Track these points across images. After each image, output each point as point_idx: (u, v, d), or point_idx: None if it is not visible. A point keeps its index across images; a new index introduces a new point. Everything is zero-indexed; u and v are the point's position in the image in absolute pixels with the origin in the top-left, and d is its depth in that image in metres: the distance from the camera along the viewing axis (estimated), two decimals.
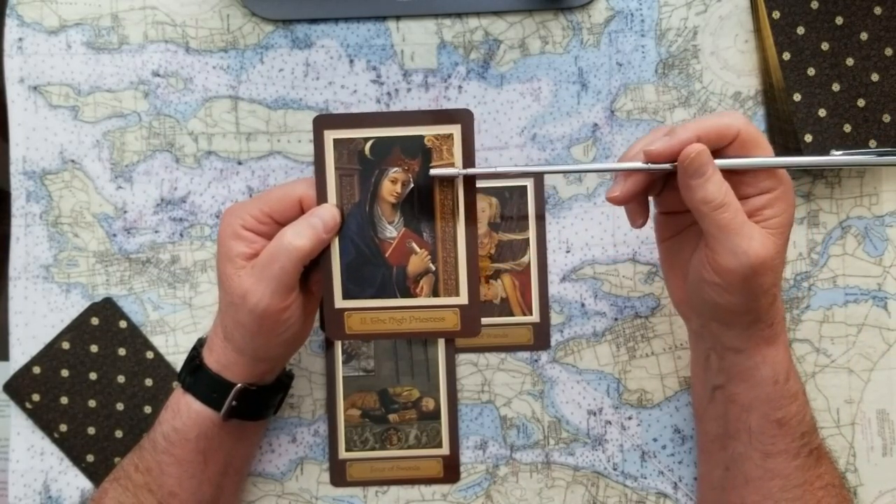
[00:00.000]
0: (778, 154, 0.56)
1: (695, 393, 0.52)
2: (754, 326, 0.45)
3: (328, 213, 0.46)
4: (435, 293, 0.48)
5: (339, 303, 0.48)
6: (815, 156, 0.53)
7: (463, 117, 0.46)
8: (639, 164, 0.44)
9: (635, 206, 0.46)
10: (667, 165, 0.43)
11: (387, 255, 0.47)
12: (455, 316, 0.48)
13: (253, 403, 0.50)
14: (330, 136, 0.47)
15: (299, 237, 0.45)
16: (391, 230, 0.47)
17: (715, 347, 0.48)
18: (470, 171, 0.46)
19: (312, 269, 0.48)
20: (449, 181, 0.46)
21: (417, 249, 0.47)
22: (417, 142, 0.46)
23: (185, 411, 0.48)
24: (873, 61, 0.54)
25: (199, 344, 0.50)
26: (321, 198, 0.47)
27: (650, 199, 0.48)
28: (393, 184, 0.47)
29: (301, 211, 0.47)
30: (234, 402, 0.48)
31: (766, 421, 0.46)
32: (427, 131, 0.46)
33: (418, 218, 0.47)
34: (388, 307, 0.48)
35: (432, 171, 0.45)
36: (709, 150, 0.42)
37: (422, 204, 0.47)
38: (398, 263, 0.47)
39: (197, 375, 0.48)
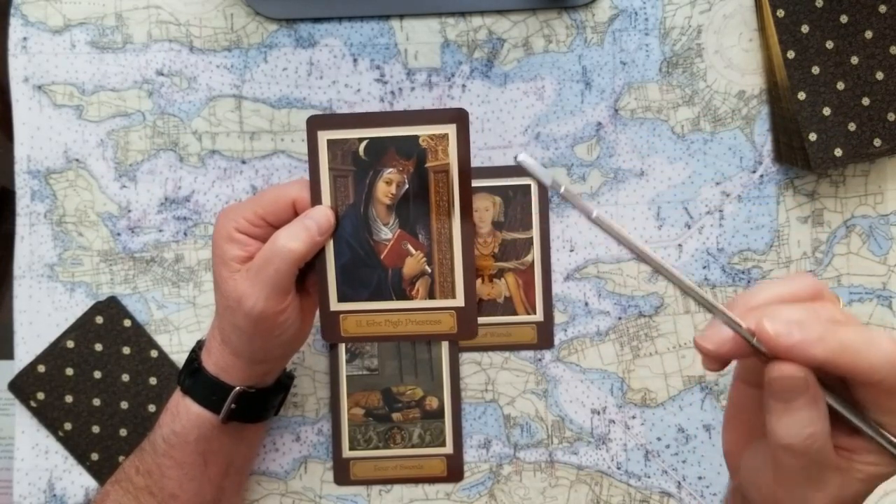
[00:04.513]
0: (780, 154, 0.56)
1: None
2: None
3: (322, 214, 0.46)
4: (431, 295, 0.47)
5: (335, 305, 0.47)
6: (819, 155, 0.53)
7: (458, 117, 0.45)
8: (739, 324, 0.34)
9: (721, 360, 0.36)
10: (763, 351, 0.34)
11: (382, 256, 0.47)
12: (451, 318, 0.47)
13: (252, 406, 0.49)
14: (324, 136, 0.46)
15: (293, 240, 0.44)
16: (386, 232, 0.47)
17: None
18: (599, 217, 0.37)
19: (309, 271, 0.48)
20: (445, 181, 0.46)
21: (413, 251, 0.47)
22: (412, 142, 0.46)
23: (184, 414, 0.48)
24: (878, 60, 0.54)
25: (198, 346, 0.50)
26: (315, 199, 0.46)
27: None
28: (388, 185, 0.46)
29: (295, 213, 0.46)
30: (232, 405, 0.48)
31: None
32: (422, 131, 0.46)
33: (414, 219, 0.46)
34: (383, 310, 0.47)
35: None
36: (815, 376, 0.33)
37: (417, 205, 0.46)
38: (393, 265, 0.47)
39: (195, 378, 0.48)
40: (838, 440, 0.34)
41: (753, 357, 0.35)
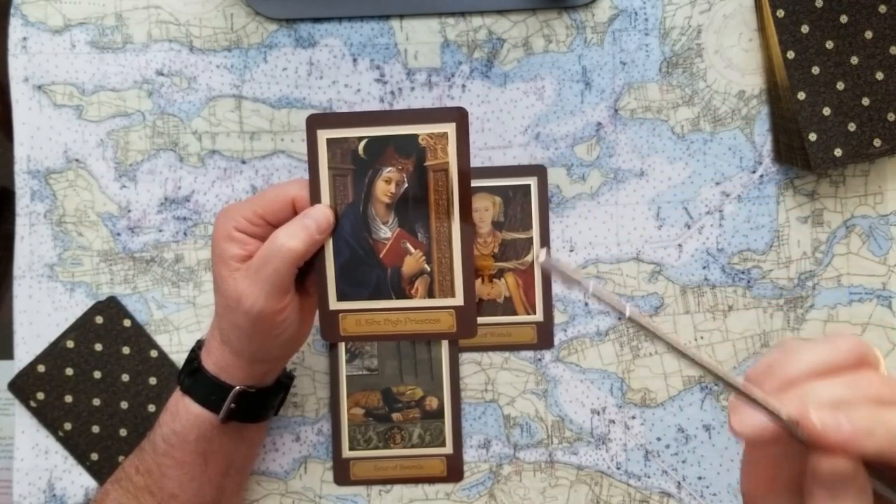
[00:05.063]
0: (780, 154, 0.56)
1: None
2: None
3: (321, 213, 0.46)
4: (430, 294, 0.47)
5: (334, 304, 0.47)
6: (819, 155, 0.53)
7: (457, 116, 0.45)
8: (780, 415, 0.31)
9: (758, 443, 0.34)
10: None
11: (381, 255, 0.47)
12: (451, 317, 0.47)
13: (252, 406, 0.49)
14: (323, 135, 0.46)
15: (292, 238, 0.44)
16: (385, 231, 0.47)
17: None
18: (633, 314, 0.33)
19: (308, 270, 0.48)
20: (444, 180, 0.46)
21: (412, 250, 0.47)
22: (412, 141, 0.46)
23: (184, 414, 0.48)
24: (878, 60, 0.54)
25: (198, 346, 0.50)
26: (314, 198, 0.46)
27: None
28: (387, 184, 0.46)
29: (294, 212, 0.46)
30: (232, 405, 0.48)
31: None
32: (421, 130, 0.46)
33: (413, 218, 0.46)
34: (382, 308, 0.47)
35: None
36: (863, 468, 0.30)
37: (416, 204, 0.46)
38: (393, 264, 0.47)
39: (195, 378, 0.48)
40: None
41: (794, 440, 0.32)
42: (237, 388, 0.48)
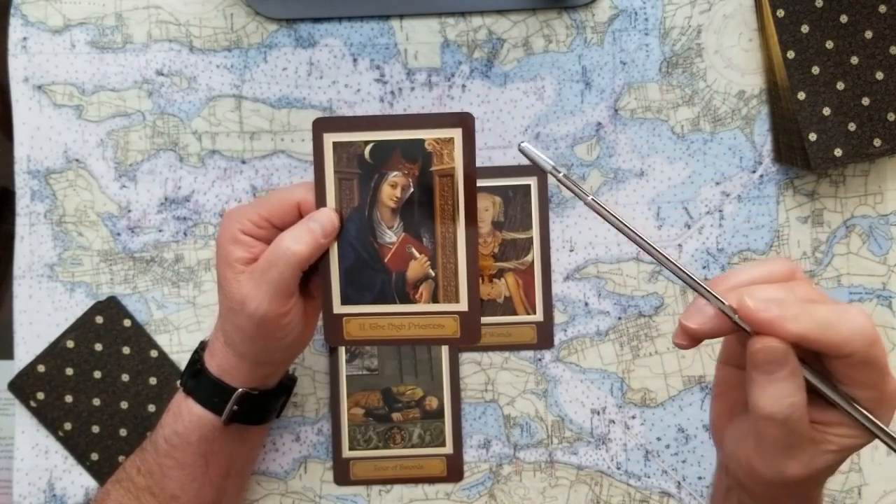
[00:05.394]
0: (780, 154, 0.56)
1: None
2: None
3: (327, 217, 0.45)
4: (434, 299, 0.47)
5: (338, 308, 0.47)
6: (819, 155, 0.53)
7: (464, 121, 0.45)
8: (723, 301, 0.36)
9: (701, 338, 0.38)
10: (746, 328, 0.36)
11: (386, 260, 0.46)
12: (455, 322, 0.47)
13: (254, 408, 0.49)
14: (329, 139, 0.46)
15: (297, 242, 0.44)
16: (391, 235, 0.46)
17: (742, 499, 0.42)
18: (595, 201, 0.39)
19: (312, 273, 0.48)
20: (450, 185, 0.46)
21: (417, 255, 0.46)
22: (418, 145, 0.46)
23: (186, 415, 0.48)
24: (878, 60, 0.54)
25: (201, 347, 0.50)
26: (320, 202, 0.46)
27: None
28: (393, 188, 0.46)
29: (299, 215, 0.46)
30: (235, 407, 0.48)
31: None
32: (428, 135, 0.46)
33: (418, 223, 0.46)
34: (387, 313, 0.47)
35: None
36: (793, 349, 0.35)
37: (422, 209, 0.46)
38: (397, 269, 0.47)
39: (198, 379, 0.48)
40: (813, 414, 0.36)
41: (734, 333, 0.37)
42: (240, 390, 0.48)
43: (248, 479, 0.56)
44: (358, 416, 0.57)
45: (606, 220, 0.38)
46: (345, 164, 0.46)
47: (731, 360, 0.41)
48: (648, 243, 0.38)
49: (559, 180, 0.39)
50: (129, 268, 0.57)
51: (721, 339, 0.42)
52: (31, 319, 0.57)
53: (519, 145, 0.40)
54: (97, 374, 0.57)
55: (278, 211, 0.46)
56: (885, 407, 0.36)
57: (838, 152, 0.53)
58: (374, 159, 0.46)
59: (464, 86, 0.57)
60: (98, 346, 0.57)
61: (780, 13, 0.54)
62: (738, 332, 0.36)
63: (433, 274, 0.47)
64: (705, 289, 0.37)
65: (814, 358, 0.36)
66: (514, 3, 0.56)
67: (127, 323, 0.57)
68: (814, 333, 0.34)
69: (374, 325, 0.47)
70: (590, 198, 0.39)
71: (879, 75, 0.54)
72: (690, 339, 0.37)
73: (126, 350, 0.57)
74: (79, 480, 0.57)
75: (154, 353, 0.57)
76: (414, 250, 0.46)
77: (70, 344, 0.57)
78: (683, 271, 0.38)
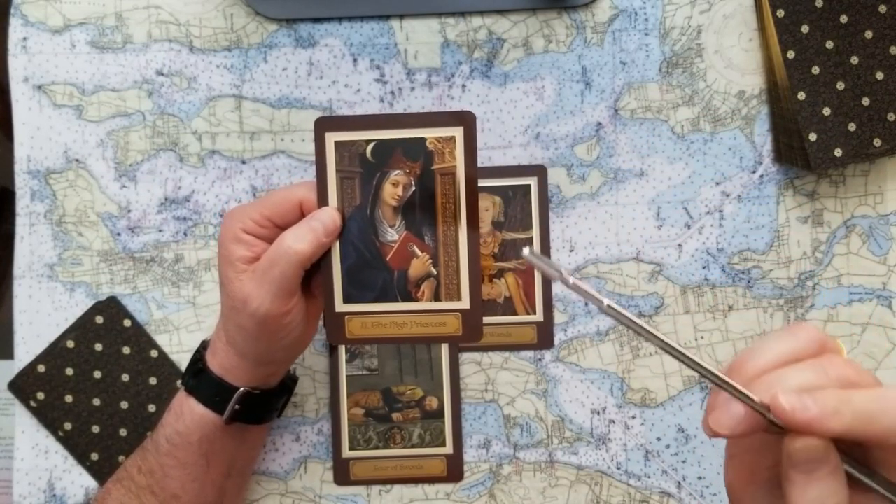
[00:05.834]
0: (780, 154, 0.56)
1: None
2: None
3: (328, 216, 0.45)
4: (436, 297, 0.47)
5: (340, 307, 0.47)
6: (819, 155, 0.53)
7: (466, 119, 0.45)
8: (753, 399, 0.33)
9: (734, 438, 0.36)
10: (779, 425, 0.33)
11: (388, 258, 0.47)
12: (457, 320, 0.47)
13: (256, 407, 0.49)
14: (331, 138, 0.46)
15: (299, 241, 0.44)
16: (392, 234, 0.46)
17: None
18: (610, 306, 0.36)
19: (314, 272, 0.48)
20: (451, 183, 0.46)
21: (419, 253, 0.47)
22: (419, 144, 0.46)
23: (187, 414, 0.48)
24: (878, 60, 0.54)
25: (203, 346, 0.50)
26: (322, 201, 0.46)
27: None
28: (394, 187, 0.46)
29: (301, 214, 0.46)
30: (236, 407, 0.48)
31: None
32: (429, 133, 0.46)
33: (420, 221, 0.46)
34: (389, 311, 0.47)
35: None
36: (833, 445, 0.32)
37: (423, 207, 0.46)
38: (399, 267, 0.47)
39: (200, 379, 0.48)
40: (850, 498, 0.33)
41: (768, 431, 0.33)
42: (242, 389, 0.48)
43: (249, 479, 0.56)
44: (358, 416, 0.57)
45: (624, 325, 0.35)
46: (346, 163, 0.46)
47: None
48: (672, 345, 0.35)
49: (571, 287, 0.36)
50: (129, 268, 0.57)
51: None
52: (31, 319, 0.57)
53: (522, 252, 0.36)
54: (97, 374, 0.57)
55: (280, 210, 0.46)
56: None
57: (838, 152, 0.53)
58: (375, 158, 0.46)
59: (464, 86, 0.57)
60: (98, 346, 0.57)
61: (780, 13, 0.54)
62: (773, 429, 0.33)
63: (435, 272, 0.47)
64: (738, 389, 0.33)
65: (850, 441, 0.33)
66: (514, 3, 0.56)
67: (127, 323, 0.57)
68: (856, 429, 0.31)
69: (377, 324, 0.47)
70: (605, 303, 0.35)
71: (879, 75, 0.54)
72: (717, 436, 0.34)
73: (126, 350, 0.57)
74: (79, 480, 0.57)
75: (154, 353, 0.57)
76: (416, 248, 0.47)
77: (70, 344, 0.57)
78: (713, 372, 0.34)
